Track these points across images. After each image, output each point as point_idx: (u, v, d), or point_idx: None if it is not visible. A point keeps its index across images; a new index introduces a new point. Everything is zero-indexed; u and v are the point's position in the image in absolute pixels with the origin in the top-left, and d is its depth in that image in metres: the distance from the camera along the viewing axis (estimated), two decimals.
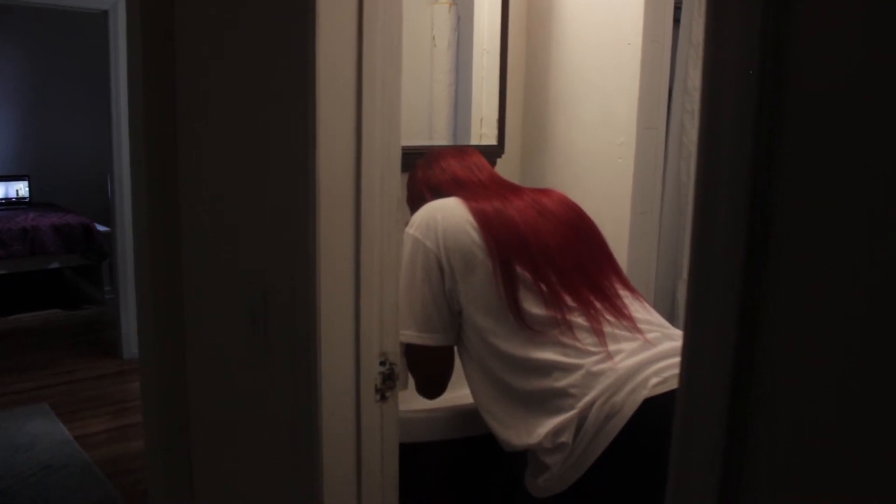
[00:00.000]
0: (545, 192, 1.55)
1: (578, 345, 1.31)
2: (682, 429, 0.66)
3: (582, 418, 1.26)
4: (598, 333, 1.34)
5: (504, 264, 1.38)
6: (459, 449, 1.56)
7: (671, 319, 1.95)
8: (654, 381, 1.27)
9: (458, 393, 1.67)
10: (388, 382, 1.21)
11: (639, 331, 1.37)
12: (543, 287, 1.37)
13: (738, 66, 0.58)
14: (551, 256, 1.41)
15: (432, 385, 1.50)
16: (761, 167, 0.59)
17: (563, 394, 1.29)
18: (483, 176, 1.59)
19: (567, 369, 1.30)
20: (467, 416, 1.53)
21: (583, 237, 1.49)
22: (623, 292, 1.45)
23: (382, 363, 1.21)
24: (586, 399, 1.27)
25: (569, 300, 1.37)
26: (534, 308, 1.36)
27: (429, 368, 1.48)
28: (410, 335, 1.43)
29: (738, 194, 0.59)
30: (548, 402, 1.30)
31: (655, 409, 1.24)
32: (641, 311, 1.44)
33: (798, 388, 0.58)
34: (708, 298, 0.63)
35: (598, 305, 1.39)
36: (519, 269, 1.38)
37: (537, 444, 1.30)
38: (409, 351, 1.46)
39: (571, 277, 1.40)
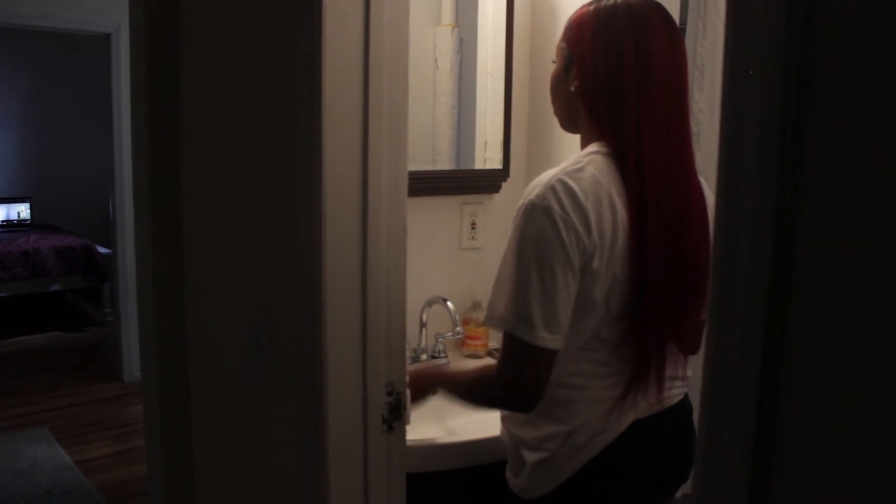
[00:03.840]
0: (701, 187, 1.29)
1: (597, 368, 1.26)
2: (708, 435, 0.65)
3: (570, 433, 1.25)
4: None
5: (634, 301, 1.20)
6: (467, 479, 1.54)
7: None
8: (644, 405, 1.27)
9: (463, 420, 1.65)
10: (395, 412, 1.20)
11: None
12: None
13: (760, 104, 0.58)
14: (681, 305, 1.25)
15: (538, 394, 1.20)
16: (786, 175, 0.58)
17: (563, 404, 1.26)
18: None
19: (575, 387, 1.26)
20: (474, 446, 1.51)
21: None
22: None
23: (389, 393, 1.19)
24: (580, 419, 1.25)
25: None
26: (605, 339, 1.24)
27: (542, 375, 1.19)
28: (542, 336, 1.15)
29: (762, 210, 0.59)
30: (548, 407, 1.26)
31: (642, 430, 1.26)
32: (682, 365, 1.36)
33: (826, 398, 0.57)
34: (732, 312, 0.62)
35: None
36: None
37: (522, 436, 1.29)
38: (523, 353, 1.17)
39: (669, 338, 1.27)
